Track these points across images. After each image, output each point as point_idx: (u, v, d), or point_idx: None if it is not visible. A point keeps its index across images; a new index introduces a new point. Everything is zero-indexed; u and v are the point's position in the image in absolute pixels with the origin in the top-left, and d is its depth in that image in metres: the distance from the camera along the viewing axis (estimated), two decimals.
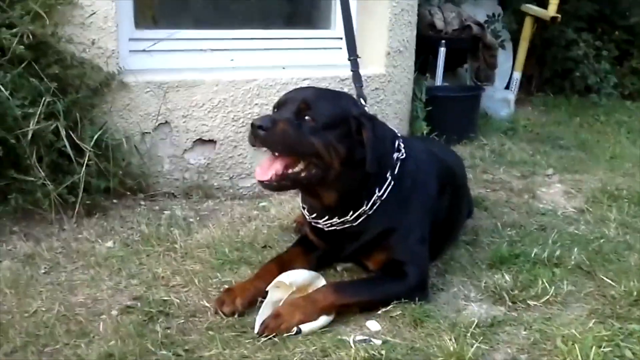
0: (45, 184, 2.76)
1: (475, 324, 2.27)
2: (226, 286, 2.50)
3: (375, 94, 4.06)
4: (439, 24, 5.54)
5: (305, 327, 2.21)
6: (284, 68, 3.85)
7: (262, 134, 2.21)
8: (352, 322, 2.32)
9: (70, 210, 2.98)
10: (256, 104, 3.56)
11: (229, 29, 3.83)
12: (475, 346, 2.14)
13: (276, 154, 2.28)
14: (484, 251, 2.96)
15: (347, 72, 3.83)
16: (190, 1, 3.99)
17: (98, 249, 2.75)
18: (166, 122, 3.41)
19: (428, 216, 2.53)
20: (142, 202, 3.28)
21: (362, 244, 2.48)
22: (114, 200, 3.20)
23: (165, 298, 2.40)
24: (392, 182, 2.44)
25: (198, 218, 3.20)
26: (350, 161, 2.32)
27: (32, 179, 2.76)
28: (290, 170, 2.28)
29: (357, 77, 2.95)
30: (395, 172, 2.46)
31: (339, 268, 2.74)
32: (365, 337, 2.21)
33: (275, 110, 2.40)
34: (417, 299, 2.39)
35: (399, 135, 2.58)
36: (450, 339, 2.16)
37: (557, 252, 2.85)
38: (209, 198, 3.49)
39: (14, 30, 2.79)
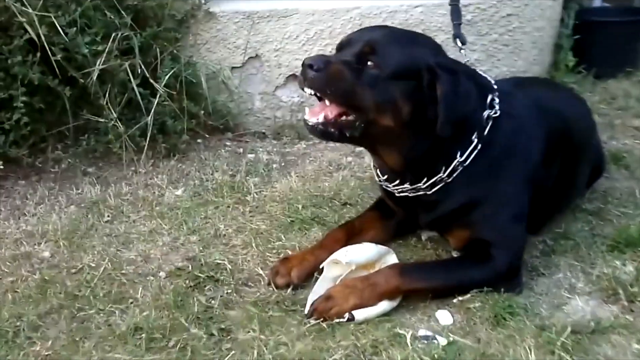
0: (117, 126, 2.63)
1: (570, 329, 1.82)
2: (289, 252, 2.25)
3: (507, 21, 3.46)
4: None
5: (360, 314, 1.89)
6: None
7: (312, 74, 1.84)
8: (420, 310, 1.97)
9: (150, 151, 2.86)
10: None
11: None
12: None
13: (327, 101, 1.91)
14: (609, 225, 2.42)
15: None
16: None
17: (166, 197, 2.60)
18: (256, 55, 3.13)
19: (526, 188, 2.05)
20: (228, 143, 3.07)
21: (439, 216, 2.08)
22: (198, 140, 3.03)
23: (219, 261, 2.19)
24: (479, 146, 1.99)
25: (283, 164, 2.94)
26: (419, 121, 1.90)
27: (104, 120, 2.64)
28: (343, 118, 1.91)
29: (456, 13, 2.43)
30: (485, 133, 2.00)
31: (423, 237, 2.37)
32: (428, 334, 1.86)
33: (337, 52, 2.01)
34: (503, 289, 1.98)
35: (495, 87, 2.08)
36: (532, 347, 1.76)
37: None
38: (302, 139, 3.20)
39: None
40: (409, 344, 1.80)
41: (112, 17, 2.68)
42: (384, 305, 1.93)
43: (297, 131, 3.22)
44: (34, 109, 2.58)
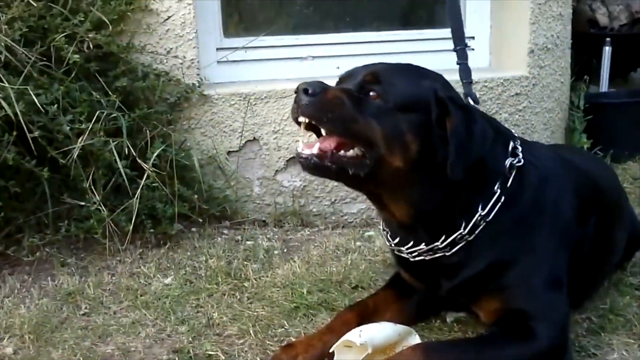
0: (100, 209, 2.38)
1: None
2: (292, 339, 1.93)
3: (515, 101, 3.31)
4: (603, 19, 4.65)
5: None
6: None
7: (306, 100, 1.62)
8: None
9: (139, 241, 2.60)
10: None
11: (333, 33, 3.32)
12: None
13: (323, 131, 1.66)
14: None
15: (477, 77, 3.17)
16: (286, 4, 3.51)
17: (154, 287, 2.30)
18: (254, 138, 2.93)
19: (563, 249, 1.78)
20: (225, 232, 2.81)
21: (463, 282, 1.78)
22: (193, 229, 2.77)
23: (211, 352, 1.87)
24: (503, 198, 1.74)
25: (285, 250, 2.66)
26: (428, 163, 1.67)
27: (85, 204, 2.40)
28: (342, 152, 1.66)
29: (465, 71, 2.26)
30: (509, 184, 1.75)
31: (448, 319, 2.06)
32: None
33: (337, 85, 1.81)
34: None
35: (516, 136, 1.86)
36: None
37: None
38: (306, 226, 2.94)
39: (74, 37, 2.48)
40: None
41: (99, 97, 2.51)
42: None
43: (301, 218, 2.96)
44: (9, 194, 2.35)
